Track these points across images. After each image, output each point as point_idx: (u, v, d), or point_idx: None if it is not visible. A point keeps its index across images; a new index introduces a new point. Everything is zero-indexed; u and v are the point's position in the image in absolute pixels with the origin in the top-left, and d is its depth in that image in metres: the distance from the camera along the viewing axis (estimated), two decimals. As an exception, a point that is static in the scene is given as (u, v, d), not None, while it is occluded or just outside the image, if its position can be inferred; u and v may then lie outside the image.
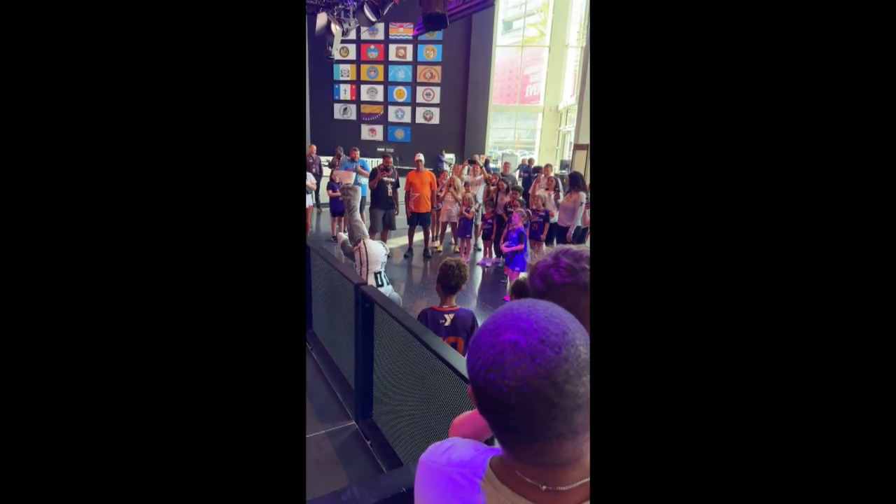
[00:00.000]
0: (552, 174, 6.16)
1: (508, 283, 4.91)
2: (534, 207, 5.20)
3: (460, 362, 1.47)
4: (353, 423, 2.34)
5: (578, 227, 4.85)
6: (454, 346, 2.05)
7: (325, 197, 7.02)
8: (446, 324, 2.11)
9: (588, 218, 4.59)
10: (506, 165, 7.60)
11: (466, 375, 1.46)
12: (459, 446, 0.58)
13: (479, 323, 2.25)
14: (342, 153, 7.46)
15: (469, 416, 0.77)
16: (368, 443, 2.18)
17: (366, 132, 13.18)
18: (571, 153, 9.84)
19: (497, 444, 0.53)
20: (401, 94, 12.96)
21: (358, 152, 6.77)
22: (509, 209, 5.24)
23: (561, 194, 5.47)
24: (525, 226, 4.92)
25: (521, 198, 5.22)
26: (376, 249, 3.11)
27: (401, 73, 12.86)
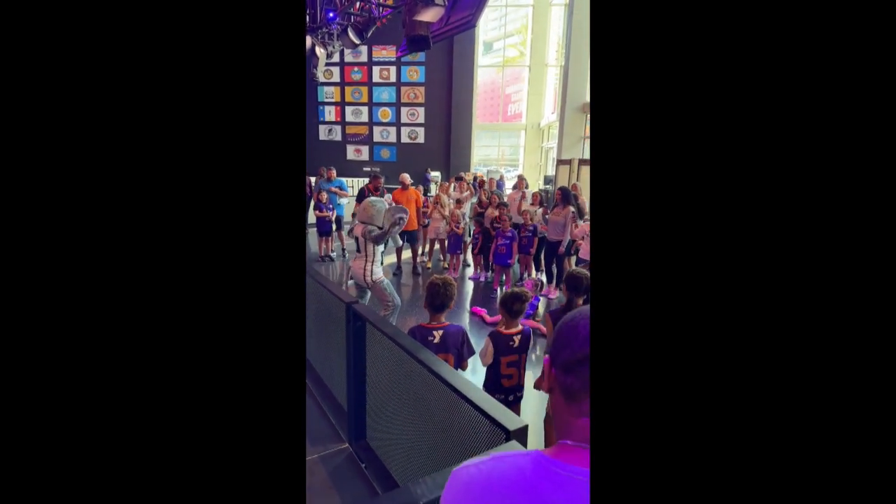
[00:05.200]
0: (527, 189, 6.27)
1: (497, 298, 4.90)
2: (521, 223, 5.26)
3: (456, 378, 1.45)
4: (347, 445, 2.28)
5: (570, 241, 4.91)
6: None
7: (311, 217, 6.97)
8: (435, 341, 2.09)
9: (576, 232, 4.64)
10: (491, 181, 7.68)
11: (462, 392, 1.43)
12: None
13: (471, 337, 2.24)
14: (324, 173, 7.44)
15: None
16: (363, 466, 2.12)
17: (351, 152, 13.21)
18: (554, 168, 10.00)
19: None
20: (385, 114, 13.08)
21: (334, 172, 6.66)
22: (496, 224, 5.27)
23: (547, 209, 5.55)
24: (512, 236, 4.98)
25: (508, 213, 5.27)
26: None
27: (385, 95, 13.01)
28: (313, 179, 7.48)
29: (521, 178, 6.49)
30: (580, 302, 2.32)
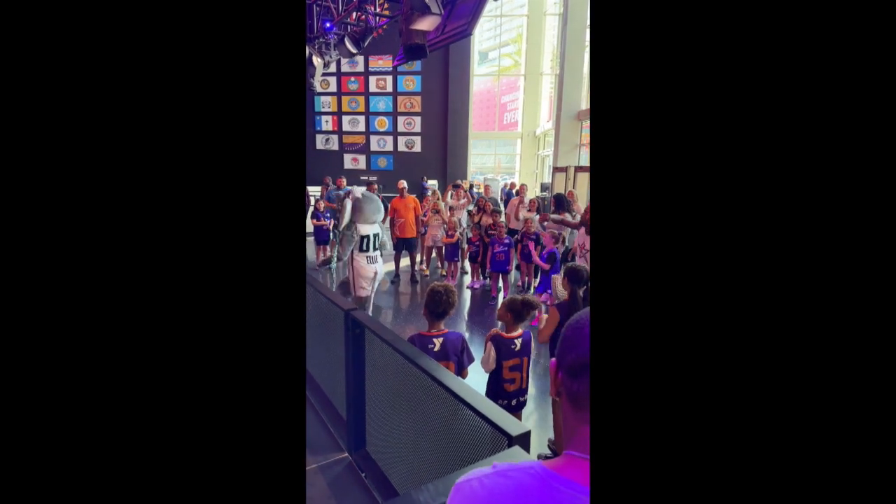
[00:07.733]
0: (528, 196, 6.32)
1: (497, 306, 4.89)
2: (524, 230, 5.28)
3: (456, 384, 1.44)
4: (346, 454, 2.25)
5: (566, 248, 4.91)
6: (445, 369, 2.01)
7: (309, 226, 6.97)
8: (435, 349, 2.08)
9: (576, 243, 4.63)
10: (486, 188, 7.72)
11: (463, 398, 1.42)
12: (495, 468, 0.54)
13: (469, 344, 2.23)
14: (330, 182, 7.47)
15: None
16: (363, 475, 2.09)
17: (348, 161, 13.24)
18: (551, 176, 10.04)
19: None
20: (382, 123, 13.14)
21: (345, 181, 6.80)
22: (490, 232, 5.28)
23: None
24: (509, 243, 4.97)
25: (501, 220, 5.29)
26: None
27: (381, 104, 13.07)
28: (314, 190, 7.53)
29: (522, 186, 6.57)
30: (581, 293, 2.37)
